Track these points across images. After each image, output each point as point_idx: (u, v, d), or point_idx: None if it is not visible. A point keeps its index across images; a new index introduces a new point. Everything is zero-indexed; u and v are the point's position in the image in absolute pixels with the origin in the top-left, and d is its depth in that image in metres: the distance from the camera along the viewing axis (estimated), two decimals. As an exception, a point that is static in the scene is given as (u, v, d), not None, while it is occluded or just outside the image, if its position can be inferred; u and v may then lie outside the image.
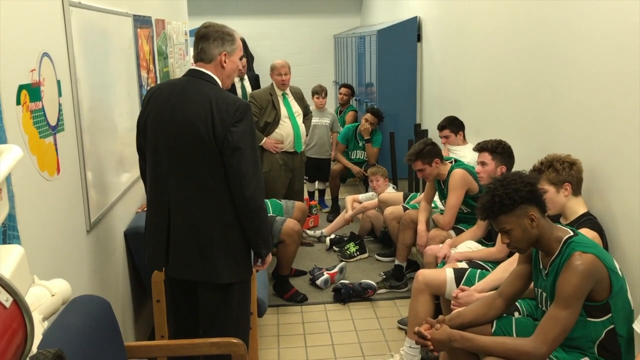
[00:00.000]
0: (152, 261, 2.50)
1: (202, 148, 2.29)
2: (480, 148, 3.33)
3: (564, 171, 2.60)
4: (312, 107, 5.74)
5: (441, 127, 4.39)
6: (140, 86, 3.48)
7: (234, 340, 2.32)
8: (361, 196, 5.39)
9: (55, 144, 2.14)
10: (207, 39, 2.41)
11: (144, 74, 3.59)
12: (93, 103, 2.60)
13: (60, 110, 2.20)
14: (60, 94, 2.20)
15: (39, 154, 1.99)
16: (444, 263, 3.34)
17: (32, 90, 1.95)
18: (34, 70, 1.97)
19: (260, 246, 2.47)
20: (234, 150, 2.28)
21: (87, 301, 2.14)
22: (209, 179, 2.33)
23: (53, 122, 2.12)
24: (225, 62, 2.42)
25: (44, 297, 1.37)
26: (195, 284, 2.49)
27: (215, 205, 2.36)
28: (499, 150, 3.25)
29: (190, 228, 2.37)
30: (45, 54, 2.07)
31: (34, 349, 1.23)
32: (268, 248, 2.52)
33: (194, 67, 2.46)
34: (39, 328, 1.29)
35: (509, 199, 2.15)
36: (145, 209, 3.12)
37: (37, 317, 1.29)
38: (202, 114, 2.28)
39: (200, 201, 2.35)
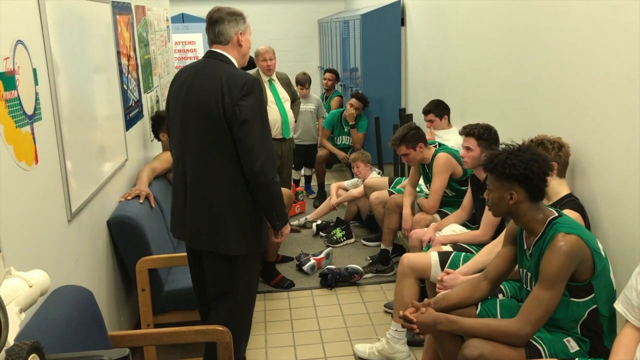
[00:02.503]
0: (175, 232, 2.69)
1: (211, 123, 2.38)
2: (466, 133, 3.30)
3: (553, 151, 2.63)
4: (296, 94, 5.72)
5: (426, 112, 4.38)
6: (121, 73, 3.43)
7: (219, 327, 2.32)
8: (346, 183, 5.39)
9: (33, 134, 2.10)
10: (222, 22, 2.50)
11: (124, 61, 3.54)
12: (71, 91, 2.55)
13: (37, 99, 2.16)
14: (36, 83, 2.16)
15: (16, 143, 1.95)
16: (429, 247, 3.35)
17: (7, 79, 1.91)
18: (8, 58, 1.93)
19: (274, 218, 2.54)
20: (241, 123, 2.34)
21: (69, 291, 2.13)
22: (219, 153, 2.41)
23: (30, 111, 2.08)
24: (241, 40, 2.53)
25: (21, 288, 1.36)
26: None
27: (225, 179, 2.43)
28: (485, 137, 3.23)
29: (202, 201, 2.47)
30: (20, 42, 2.03)
31: (11, 341, 1.21)
32: (283, 220, 2.58)
33: (211, 49, 2.55)
34: (16, 320, 1.28)
35: (502, 168, 2.17)
36: (129, 197, 3.16)
37: (13, 308, 1.28)
38: (212, 91, 2.38)
39: (210, 175, 2.44)
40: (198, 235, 2.53)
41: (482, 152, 3.22)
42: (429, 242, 3.40)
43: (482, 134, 3.23)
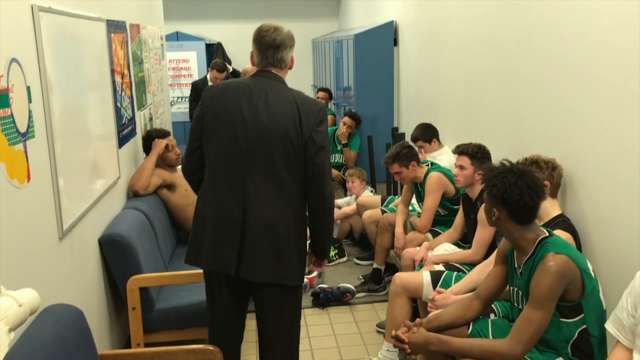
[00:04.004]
0: (215, 263, 2.39)
1: (287, 147, 2.31)
2: (460, 152, 3.32)
3: (547, 170, 2.66)
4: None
5: (414, 139, 4.40)
6: (115, 91, 3.45)
7: (210, 347, 2.32)
8: (340, 201, 5.39)
9: (25, 151, 2.10)
10: (285, 47, 2.43)
11: (118, 79, 3.56)
12: (65, 109, 2.56)
13: (30, 116, 2.16)
14: (30, 100, 2.17)
15: (8, 161, 1.95)
16: (421, 266, 3.35)
17: (0, 97, 1.91)
18: (2, 76, 1.93)
19: (327, 245, 2.55)
20: (319, 149, 2.32)
21: (59, 310, 2.11)
22: (289, 179, 2.34)
23: (23, 129, 2.09)
24: (292, 64, 2.51)
25: (11, 307, 1.35)
26: (251, 286, 2.45)
27: (292, 206, 2.37)
28: (479, 156, 3.25)
29: (268, 228, 2.34)
30: (14, 60, 2.04)
31: (-1, 361, 1.20)
32: (330, 249, 2.55)
33: (265, 69, 2.44)
34: (5, 340, 1.27)
35: (486, 185, 2.23)
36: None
37: (2, 328, 1.27)
38: (289, 114, 2.32)
39: (279, 201, 2.35)
40: (260, 266, 2.36)
41: (475, 170, 3.25)
42: (421, 261, 3.40)
43: (475, 153, 3.25)
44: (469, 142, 3.34)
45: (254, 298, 2.53)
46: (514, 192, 2.14)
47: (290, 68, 2.51)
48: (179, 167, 4.14)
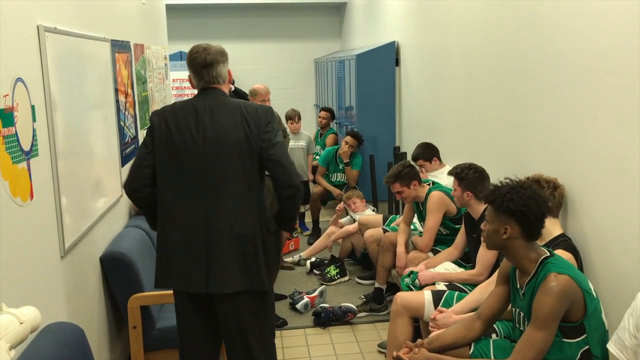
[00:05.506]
0: (185, 283, 2.45)
1: (242, 154, 2.40)
2: (450, 173, 3.36)
3: (548, 190, 2.67)
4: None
5: (415, 158, 4.42)
6: (118, 110, 3.47)
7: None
8: (342, 220, 5.39)
9: (29, 170, 2.12)
10: (217, 64, 2.49)
11: (121, 98, 3.59)
12: (68, 128, 2.58)
13: (34, 135, 2.18)
14: (34, 119, 2.19)
15: (12, 179, 1.97)
16: (414, 277, 3.34)
17: (5, 116, 1.93)
18: (7, 95, 1.96)
19: (294, 223, 2.73)
20: (273, 145, 2.42)
21: (60, 328, 2.11)
22: (248, 186, 2.42)
23: (27, 148, 2.11)
24: (230, 77, 2.59)
25: (12, 325, 1.35)
26: (220, 302, 2.47)
27: (258, 213, 2.45)
28: (462, 176, 3.24)
29: (236, 239, 2.41)
30: (19, 79, 2.06)
31: (-1, 379, 1.20)
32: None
33: (206, 87, 2.50)
34: (6, 357, 1.27)
35: (501, 201, 2.19)
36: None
37: (3, 345, 1.27)
38: (238, 123, 2.40)
39: (244, 210, 2.43)
40: (232, 275, 2.41)
41: (462, 191, 3.24)
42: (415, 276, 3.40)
43: (459, 174, 3.25)
44: (462, 163, 3.35)
45: (222, 315, 2.51)
46: (534, 204, 2.15)
47: (230, 82, 2.58)
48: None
